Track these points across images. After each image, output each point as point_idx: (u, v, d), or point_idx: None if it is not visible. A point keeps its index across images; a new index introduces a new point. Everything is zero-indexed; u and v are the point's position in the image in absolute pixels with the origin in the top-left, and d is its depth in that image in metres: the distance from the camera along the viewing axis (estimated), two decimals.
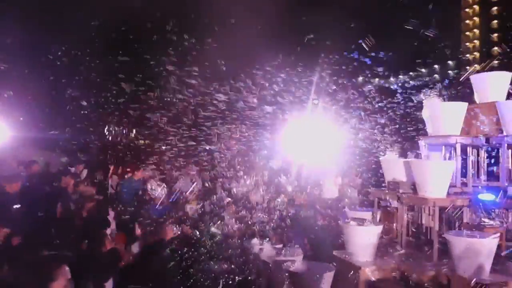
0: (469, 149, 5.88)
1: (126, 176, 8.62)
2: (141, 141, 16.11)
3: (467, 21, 51.80)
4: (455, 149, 5.89)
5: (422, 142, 6.46)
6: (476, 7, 50.94)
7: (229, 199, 8.70)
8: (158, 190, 8.74)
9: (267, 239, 5.48)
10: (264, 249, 5.16)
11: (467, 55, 49.32)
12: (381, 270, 4.94)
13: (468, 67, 48.48)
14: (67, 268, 2.20)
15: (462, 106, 5.79)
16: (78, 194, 4.99)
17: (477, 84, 6.38)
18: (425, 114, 6.35)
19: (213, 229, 7.00)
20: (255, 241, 5.61)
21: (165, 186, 9.23)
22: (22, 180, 4.49)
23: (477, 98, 6.41)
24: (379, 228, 5.23)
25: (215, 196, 8.89)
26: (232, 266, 5.04)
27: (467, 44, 51.17)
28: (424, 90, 6.61)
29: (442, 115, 5.76)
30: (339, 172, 10.55)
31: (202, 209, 8.36)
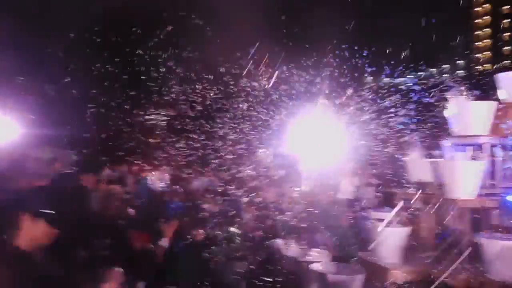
0: (496, 150, 5.76)
1: (143, 175, 8.59)
2: (153, 140, 16.14)
3: (478, 20, 51.39)
4: (481, 149, 5.78)
5: (446, 142, 6.34)
6: (488, 5, 50.51)
7: (247, 198, 8.65)
8: (157, 183, 8.70)
9: (291, 239, 5.41)
10: (289, 249, 5.09)
11: (479, 54, 49.05)
12: (410, 272, 4.84)
13: (479, 66, 48.28)
14: (120, 270, 2.13)
15: (491, 105, 5.66)
16: (106, 192, 4.95)
17: (504, 82, 6.25)
18: (449, 113, 6.23)
19: (233, 229, 6.95)
20: (279, 241, 5.54)
21: (165, 179, 9.21)
22: (49, 178, 4.44)
23: (503, 96, 6.27)
24: (408, 229, 5.13)
25: (232, 196, 8.84)
26: (257, 266, 4.97)
27: (478, 43, 50.80)
28: (447, 88, 6.49)
29: (470, 114, 5.64)
30: (355, 171, 10.45)
31: (220, 208, 8.32)
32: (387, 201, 8.44)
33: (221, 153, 10.72)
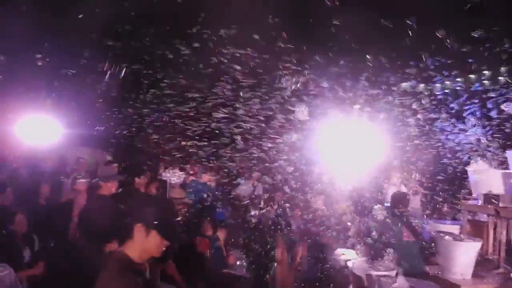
0: None
1: (190, 179, 8.54)
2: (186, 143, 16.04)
3: None
4: None
5: None
6: None
7: (294, 206, 8.48)
8: (174, 178, 8.60)
9: (354, 251, 5.21)
10: (353, 261, 4.89)
11: None
12: None
13: None
14: None
15: None
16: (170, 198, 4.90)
17: None
18: None
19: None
20: (339, 251, 5.35)
21: (181, 174, 9.10)
22: (117, 180, 4.40)
23: None
24: (479, 244, 4.84)
25: (278, 203, 8.68)
26: (321, 277, 4.80)
27: None
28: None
29: None
30: (402, 180, 10.12)
31: (266, 215, 8.17)
32: (426, 210, 8.11)
33: (263, 158, 10.52)
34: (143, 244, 2.00)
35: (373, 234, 5.22)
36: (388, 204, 9.32)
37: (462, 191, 8.05)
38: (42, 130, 11.56)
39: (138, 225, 2.01)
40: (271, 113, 12.22)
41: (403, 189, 9.96)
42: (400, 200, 5.49)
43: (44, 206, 5.07)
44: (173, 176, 8.99)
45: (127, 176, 5.74)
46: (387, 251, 4.94)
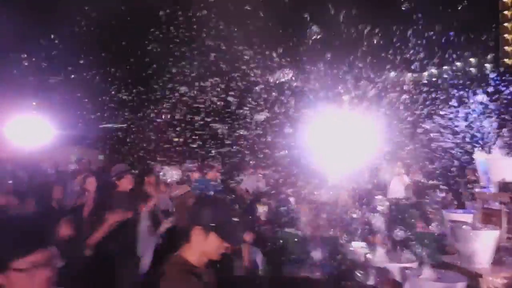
0: None
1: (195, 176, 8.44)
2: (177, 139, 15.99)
3: (506, 12, 49.95)
4: None
5: None
6: None
7: (300, 198, 8.45)
8: (170, 174, 8.54)
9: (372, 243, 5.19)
10: (373, 254, 4.86)
11: (506, 47, 47.61)
12: (504, 278, 4.57)
13: (507, 59, 46.92)
14: None
15: None
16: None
17: None
18: None
19: (289, 230, 6.78)
20: (356, 245, 5.33)
21: (178, 171, 9.06)
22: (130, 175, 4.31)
23: None
24: (498, 231, 4.86)
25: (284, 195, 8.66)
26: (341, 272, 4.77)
27: (506, 36, 49.36)
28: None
29: None
30: (405, 170, 10.16)
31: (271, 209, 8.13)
32: (448, 202, 8.17)
33: (270, 152, 10.51)
34: (202, 247, 1.93)
35: (381, 226, 5.21)
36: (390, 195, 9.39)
37: (467, 179, 8.12)
38: (33, 131, 11.39)
39: (196, 228, 1.95)
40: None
41: (406, 179, 10.04)
42: (418, 190, 5.48)
43: (57, 209, 4.95)
44: (171, 173, 8.88)
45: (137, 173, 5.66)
46: (406, 242, 4.94)
